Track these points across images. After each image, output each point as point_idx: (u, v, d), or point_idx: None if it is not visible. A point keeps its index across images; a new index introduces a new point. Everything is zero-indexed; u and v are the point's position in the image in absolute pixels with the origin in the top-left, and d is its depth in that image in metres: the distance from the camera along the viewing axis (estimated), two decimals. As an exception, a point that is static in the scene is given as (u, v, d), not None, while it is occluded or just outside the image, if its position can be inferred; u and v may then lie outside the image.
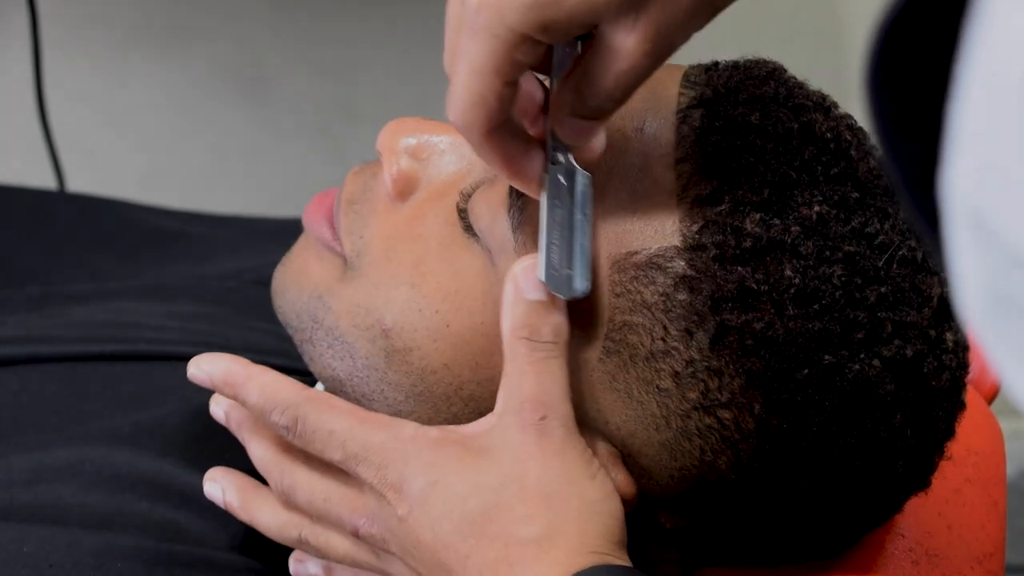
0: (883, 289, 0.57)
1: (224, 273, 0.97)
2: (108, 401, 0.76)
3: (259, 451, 0.63)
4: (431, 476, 0.58)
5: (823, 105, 0.60)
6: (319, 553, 0.63)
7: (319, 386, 0.72)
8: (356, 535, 0.60)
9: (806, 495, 0.59)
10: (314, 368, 0.66)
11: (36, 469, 0.70)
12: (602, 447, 0.60)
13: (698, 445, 0.58)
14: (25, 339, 0.81)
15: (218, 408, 0.64)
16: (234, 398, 0.62)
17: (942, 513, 0.68)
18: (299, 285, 0.66)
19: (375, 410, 0.63)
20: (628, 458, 0.60)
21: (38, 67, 1.42)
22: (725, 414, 0.57)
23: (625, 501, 0.59)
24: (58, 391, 0.77)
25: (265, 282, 0.71)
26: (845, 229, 0.57)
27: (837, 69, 1.61)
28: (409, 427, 0.60)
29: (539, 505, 0.57)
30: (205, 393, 0.74)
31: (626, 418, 0.59)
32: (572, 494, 0.57)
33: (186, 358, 0.79)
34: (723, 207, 0.56)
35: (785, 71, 0.62)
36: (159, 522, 0.67)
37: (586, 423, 0.60)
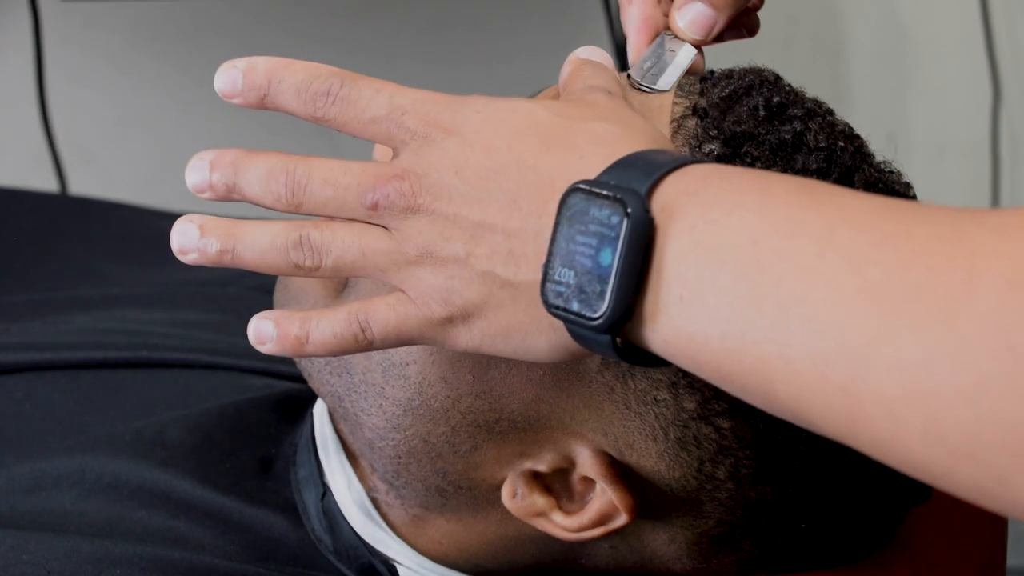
0: None
1: (227, 277, 0.97)
2: (109, 409, 0.76)
3: (270, 157, 0.56)
4: (493, 104, 0.53)
5: (819, 113, 0.60)
6: (313, 261, 0.54)
7: (320, 403, 0.72)
8: (374, 208, 0.53)
9: (805, 505, 0.59)
10: (313, 384, 0.66)
11: (37, 477, 0.70)
12: (601, 458, 0.60)
13: (696, 455, 0.58)
14: (29, 346, 0.81)
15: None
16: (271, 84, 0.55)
17: (943, 524, 0.68)
18: (299, 304, 0.66)
19: (373, 426, 0.63)
20: (627, 468, 0.60)
21: (40, 69, 1.42)
22: (723, 423, 0.57)
23: (625, 514, 0.59)
24: (61, 399, 0.77)
25: (267, 289, 0.71)
26: None
27: (835, 75, 1.61)
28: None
29: (615, 123, 0.53)
30: (206, 402, 0.74)
31: (625, 429, 0.59)
32: (647, 126, 0.54)
33: (188, 366, 0.80)
34: None
35: (781, 79, 0.61)
36: (158, 529, 0.67)
37: (584, 434, 0.60)
